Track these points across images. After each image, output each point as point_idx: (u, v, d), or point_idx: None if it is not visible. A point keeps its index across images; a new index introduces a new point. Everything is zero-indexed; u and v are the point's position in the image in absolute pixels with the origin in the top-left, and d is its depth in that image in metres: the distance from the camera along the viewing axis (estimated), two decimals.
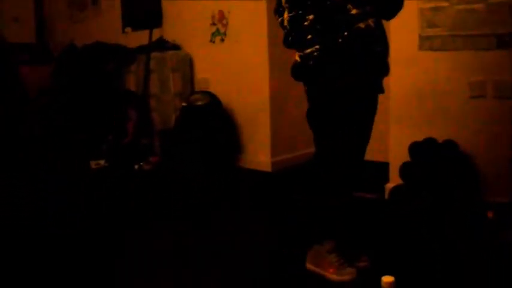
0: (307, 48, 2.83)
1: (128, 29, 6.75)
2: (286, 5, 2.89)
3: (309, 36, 2.81)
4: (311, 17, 2.80)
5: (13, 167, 5.48)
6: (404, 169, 4.07)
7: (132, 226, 3.94)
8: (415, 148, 4.05)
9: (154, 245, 3.61)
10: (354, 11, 2.77)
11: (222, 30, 5.65)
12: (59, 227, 3.90)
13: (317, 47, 2.80)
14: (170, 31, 6.13)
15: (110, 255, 3.45)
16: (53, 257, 3.38)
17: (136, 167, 5.53)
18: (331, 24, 2.78)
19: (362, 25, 2.79)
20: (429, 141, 4.01)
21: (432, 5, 4.08)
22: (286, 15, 2.89)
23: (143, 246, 3.58)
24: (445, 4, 4.02)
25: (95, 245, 3.58)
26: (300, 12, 2.83)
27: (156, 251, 3.51)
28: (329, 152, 2.99)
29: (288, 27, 2.91)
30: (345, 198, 3.10)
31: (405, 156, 4.08)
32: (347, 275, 3.03)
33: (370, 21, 2.81)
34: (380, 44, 2.88)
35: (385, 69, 2.97)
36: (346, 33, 2.77)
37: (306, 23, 2.81)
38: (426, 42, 4.13)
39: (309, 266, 3.16)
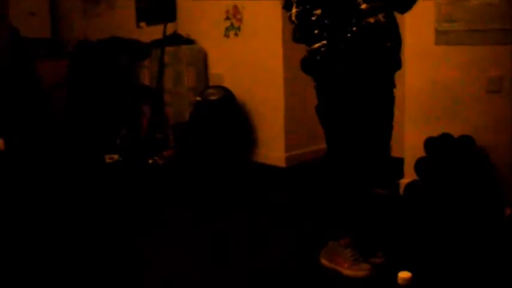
0: (315, 44, 2.82)
1: (142, 24, 6.75)
2: (294, 0, 2.87)
3: (316, 31, 2.80)
4: (318, 11, 2.78)
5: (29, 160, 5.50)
6: (419, 165, 4.04)
7: (144, 222, 3.95)
8: (430, 143, 4.01)
9: (168, 239, 3.62)
10: (363, 6, 2.75)
11: (236, 24, 5.63)
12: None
13: (324, 42, 2.79)
14: (184, 25, 6.13)
15: (121, 252, 3.46)
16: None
17: (150, 161, 5.54)
18: (340, 19, 2.77)
19: (372, 20, 2.77)
20: (445, 137, 3.98)
21: None
22: (294, 9, 2.87)
23: (155, 242, 3.59)
24: None
25: (106, 241, 3.59)
26: (308, 6, 2.81)
27: (170, 244, 3.52)
28: (338, 148, 2.99)
29: (295, 22, 2.89)
30: (359, 194, 3.09)
31: (420, 152, 4.05)
32: (362, 270, 3.02)
33: (381, 16, 2.79)
34: (390, 39, 2.86)
35: (396, 65, 2.95)
36: (355, 28, 2.75)
37: (313, 18, 2.80)
38: (443, 37, 4.09)
39: (324, 261, 3.15)
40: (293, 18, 2.88)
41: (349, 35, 2.75)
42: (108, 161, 5.59)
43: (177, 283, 3.00)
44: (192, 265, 3.19)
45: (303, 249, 3.35)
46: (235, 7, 5.60)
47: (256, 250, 3.40)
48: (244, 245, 3.47)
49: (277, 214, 4.06)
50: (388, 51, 2.87)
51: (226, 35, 5.73)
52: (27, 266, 3.20)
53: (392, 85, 3.01)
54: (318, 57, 2.82)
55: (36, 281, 3.02)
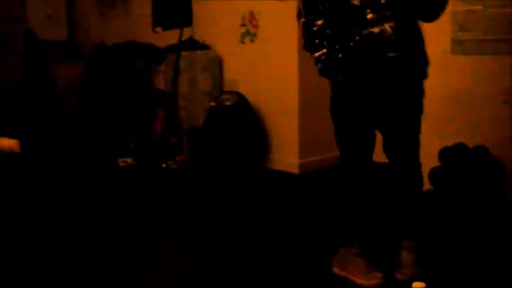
0: (315, 52, 2.91)
1: (158, 29, 6.75)
2: (304, 10, 2.96)
3: (317, 41, 2.88)
4: (320, 22, 2.87)
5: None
6: (433, 174, 4.03)
7: (153, 225, 3.97)
8: (445, 153, 4.00)
9: (175, 242, 3.65)
10: (369, 16, 2.78)
11: (252, 31, 5.64)
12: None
13: (324, 51, 2.87)
14: (200, 31, 6.14)
15: (129, 254, 3.48)
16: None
17: (163, 165, 5.55)
18: (342, 29, 2.84)
19: (376, 30, 2.79)
20: (460, 147, 3.97)
21: (465, 8, 4.03)
22: (302, 19, 2.98)
23: (163, 245, 3.61)
24: (479, 7, 3.98)
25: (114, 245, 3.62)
26: (312, 17, 2.90)
27: (175, 246, 3.55)
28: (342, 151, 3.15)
29: (303, 30, 2.98)
30: (367, 199, 3.11)
31: (435, 162, 4.04)
32: (374, 279, 3.01)
33: (387, 26, 2.80)
34: (397, 48, 2.85)
35: (410, 73, 2.96)
36: (357, 38, 2.79)
37: (314, 28, 2.89)
38: (458, 46, 4.09)
39: (336, 270, 3.15)
40: (301, 27, 2.99)
41: (351, 43, 2.79)
42: (121, 164, 5.61)
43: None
44: (201, 270, 3.21)
45: (311, 256, 3.36)
46: (252, 13, 5.61)
47: (265, 254, 3.41)
48: (247, 248, 3.51)
49: (282, 218, 4.10)
50: (392, 61, 2.87)
51: (242, 41, 5.74)
52: (31, 266, 3.23)
53: (417, 93, 3.05)
54: (319, 65, 2.93)
55: (38, 281, 3.04)
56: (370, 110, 3.00)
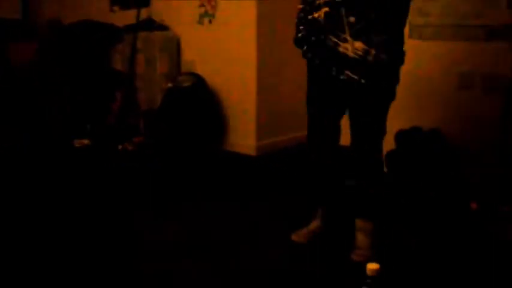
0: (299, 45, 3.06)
1: (116, 8, 6.66)
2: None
3: (299, 35, 3.02)
4: (302, 14, 2.97)
5: None
6: (389, 157, 4.07)
7: (109, 209, 3.92)
8: (401, 136, 4.04)
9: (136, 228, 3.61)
10: (351, 19, 2.78)
11: (210, 11, 5.59)
12: None
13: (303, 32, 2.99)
14: (158, 11, 6.06)
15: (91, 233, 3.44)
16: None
17: (120, 147, 5.48)
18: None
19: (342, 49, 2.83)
20: (415, 130, 4.01)
21: None
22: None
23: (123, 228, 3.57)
24: None
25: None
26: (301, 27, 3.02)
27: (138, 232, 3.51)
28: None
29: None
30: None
31: (391, 145, 4.07)
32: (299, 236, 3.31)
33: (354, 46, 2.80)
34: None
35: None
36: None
37: (299, 35, 3.02)
38: (416, 31, 4.12)
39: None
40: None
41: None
42: (77, 145, 5.52)
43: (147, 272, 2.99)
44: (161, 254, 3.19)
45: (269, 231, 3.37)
46: None
47: (218, 234, 3.41)
48: (202, 229, 3.50)
49: (239, 199, 4.13)
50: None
51: (200, 22, 5.68)
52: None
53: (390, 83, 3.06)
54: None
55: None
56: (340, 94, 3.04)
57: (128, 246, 3.27)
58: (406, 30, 4.07)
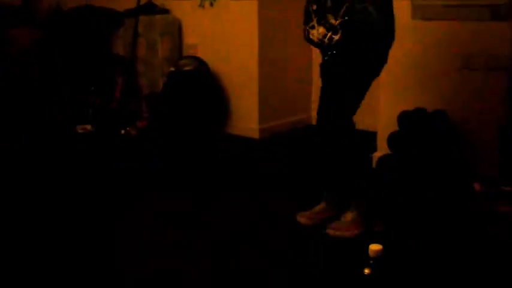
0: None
1: None
2: None
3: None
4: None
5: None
6: (392, 138, 4.05)
7: (113, 196, 3.91)
8: (404, 117, 4.02)
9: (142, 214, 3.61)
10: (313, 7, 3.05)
11: None
12: None
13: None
14: None
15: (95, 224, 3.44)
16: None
17: (122, 131, 5.48)
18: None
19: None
20: (419, 111, 3.99)
21: None
22: None
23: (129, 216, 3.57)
24: None
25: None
26: None
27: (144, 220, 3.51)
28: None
29: None
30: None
31: (394, 126, 4.06)
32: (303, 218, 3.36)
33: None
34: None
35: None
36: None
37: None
38: (419, 11, 4.08)
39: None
40: None
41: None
42: (80, 131, 5.52)
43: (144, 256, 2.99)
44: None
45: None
46: None
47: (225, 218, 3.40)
48: (205, 214, 3.51)
49: (243, 182, 4.15)
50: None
51: (202, 5, 5.65)
52: None
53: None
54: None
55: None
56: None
57: (126, 243, 3.25)
58: (409, 11, 4.09)
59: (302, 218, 3.37)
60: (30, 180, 4.16)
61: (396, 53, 4.17)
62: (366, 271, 2.02)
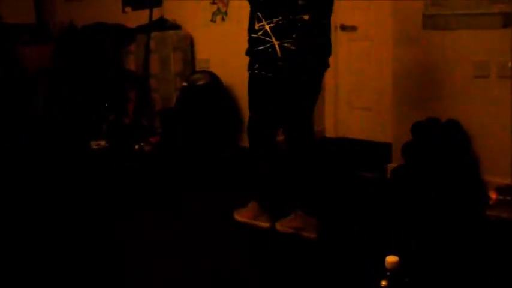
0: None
1: (128, 9, 6.68)
2: None
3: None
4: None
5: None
6: (406, 149, 4.05)
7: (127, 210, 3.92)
8: (417, 128, 4.01)
9: (154, 227, 3.61)
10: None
11: (223, 9, 5.59)
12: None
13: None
14: (171, 10, 6.07)
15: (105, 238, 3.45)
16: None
17: (136, 147, 5.50)
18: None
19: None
20: (432, 121, 3.98)
21: None
22: None
23: (140, 231, 3.58)
24: None
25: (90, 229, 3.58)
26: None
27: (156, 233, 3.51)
28: None
29: None
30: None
31: (408, 137, 4.05)
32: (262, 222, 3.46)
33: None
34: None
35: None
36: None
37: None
38: (430, 21, 4.08)
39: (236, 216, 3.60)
40: None
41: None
42: (94, 147, 5.55)
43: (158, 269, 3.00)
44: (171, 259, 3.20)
45: None
46: None
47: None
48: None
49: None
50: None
51: (213, 20, 5.68)
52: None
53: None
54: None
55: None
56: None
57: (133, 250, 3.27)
58: (420, 21, 4.09)
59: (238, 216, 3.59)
60: (31, 181, 4.20)
61: (408, 63, 4.20)
62: (383, 283, 2.01)
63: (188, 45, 5.93)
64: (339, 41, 5.36)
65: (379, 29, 5.06)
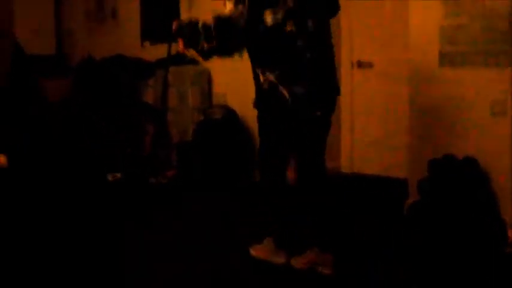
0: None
1: (147, 43, 6.77)
2: None
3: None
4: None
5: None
6: (422, 185, 4.03)
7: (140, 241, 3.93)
8: (434, 165, 4.01)
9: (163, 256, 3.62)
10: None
11: None
12: None
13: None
14: None
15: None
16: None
17: (152, 180, 5.52)
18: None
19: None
20: (449, 158, 3.97)
21: (453, 21, 4.06)
22: None
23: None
24: (466, 21, 4.00)
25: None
26: None
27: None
28: None
29: None
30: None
31: (424, 173, 4.04)
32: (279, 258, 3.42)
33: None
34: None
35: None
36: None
37: None
38: (447, 59, 4.10)
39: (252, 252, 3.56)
40: None
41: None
42: (110, 179, 5.58)
43: None
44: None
45: None
46: None
47: None
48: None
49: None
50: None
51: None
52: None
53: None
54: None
55: None
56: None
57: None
58: (437, 58, 4.12)
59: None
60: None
61: (425, 100, 4.22)
62: None
63: (205, 80, 5.99)
64: (356, 77, 5.39)
65: (395, 66, 5.09)
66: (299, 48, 3.16)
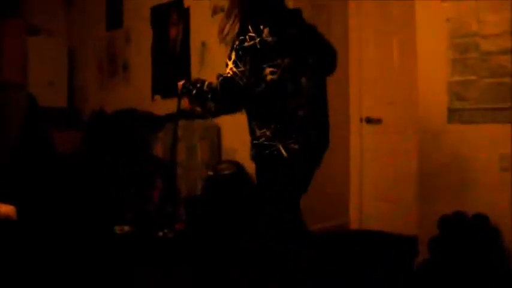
0: None
1: (157, 97, 6.83)
2: None
3: None
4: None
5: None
6: (433, 244, 3.99)
7: None
8: (444, 223, 3.98)
9: None
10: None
11: None
12: None
13: None
14: None
15: None
16: None
17: (160, 234, 5.50)
18: None
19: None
20: (459, 215, 3.94)
21: (461, 78, 4.08)
22: None
23: None
24: (474, 78, 4.03)
25: None
26: None
27: None
28: None
29: None
30: None
31: (434, 230, 4.01)
32: None
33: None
34: None
35: None
36: None
37: None
38: (455, 115, 4.12)
39: None
40: None
41: None
42: (118, 232, 5.56)
43: None
44: None
45: None
46: None
47: None
48: None
49: None
50: None
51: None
52: None
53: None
54: None
55: None
56: None
57: None
58: (445, 115, 4.13)
59: None
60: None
61: (435, 157, 4.21)
62: None
63: (215, 134, 6.00)
64: (364, 133, 5.41)
65: (404, 122, 5.11)
66: (293, 105, 3.16)
